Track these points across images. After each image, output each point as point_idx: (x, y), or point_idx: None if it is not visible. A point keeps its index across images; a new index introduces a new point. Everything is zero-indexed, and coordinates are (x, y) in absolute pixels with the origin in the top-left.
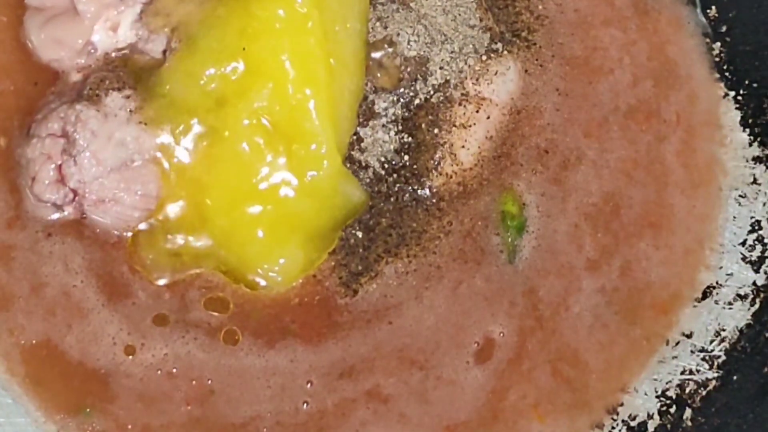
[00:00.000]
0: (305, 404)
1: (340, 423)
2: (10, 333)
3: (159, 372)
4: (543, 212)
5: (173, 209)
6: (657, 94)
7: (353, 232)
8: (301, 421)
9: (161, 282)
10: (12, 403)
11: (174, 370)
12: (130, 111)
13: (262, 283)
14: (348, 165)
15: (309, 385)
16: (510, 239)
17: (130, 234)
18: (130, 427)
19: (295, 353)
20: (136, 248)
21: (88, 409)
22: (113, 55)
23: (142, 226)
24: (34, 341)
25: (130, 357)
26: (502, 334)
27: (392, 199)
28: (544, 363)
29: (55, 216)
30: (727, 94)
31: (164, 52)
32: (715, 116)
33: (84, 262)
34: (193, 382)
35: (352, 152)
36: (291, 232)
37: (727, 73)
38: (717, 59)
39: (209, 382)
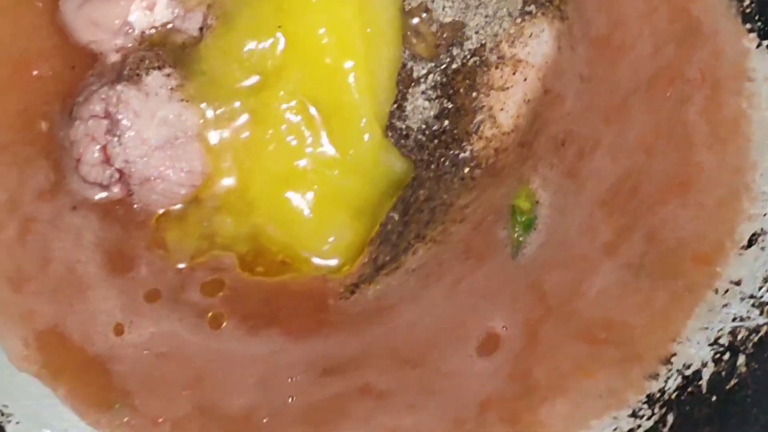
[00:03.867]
0: (291, 398)
1: (338, 416)
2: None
3: (146, 353)
4: (555, 209)
5: (218, 187)
6: (680, 56)
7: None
8: (296, 414)
9: (180, 265)
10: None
11: (164, 350)
12: (171, 89)
13: (319, 262)
14: (389, 134)
15: (290, 379)
16: (516, 235)
17: (161, 211)
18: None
19: (279, 344)
20: (160, 230)
21: (117, 405)
22: (150, 34)
23: (177, 207)
24: (42, 329)
25: (119, 337)
26: (505, 328)
27: (432, 167)
28: (565, 339)
29: (102, 195)
30: (760, 44)
31: (201, 29)
32: (741, 69)
33: (95, 238)
34: (182, 365)
35: (393, 120)
36: (337, 209)
37: (759, 23)
38: (747, 10)
39: (196, 365)
